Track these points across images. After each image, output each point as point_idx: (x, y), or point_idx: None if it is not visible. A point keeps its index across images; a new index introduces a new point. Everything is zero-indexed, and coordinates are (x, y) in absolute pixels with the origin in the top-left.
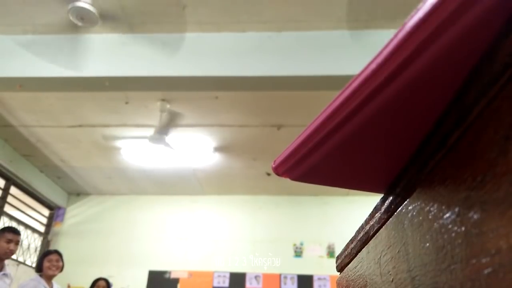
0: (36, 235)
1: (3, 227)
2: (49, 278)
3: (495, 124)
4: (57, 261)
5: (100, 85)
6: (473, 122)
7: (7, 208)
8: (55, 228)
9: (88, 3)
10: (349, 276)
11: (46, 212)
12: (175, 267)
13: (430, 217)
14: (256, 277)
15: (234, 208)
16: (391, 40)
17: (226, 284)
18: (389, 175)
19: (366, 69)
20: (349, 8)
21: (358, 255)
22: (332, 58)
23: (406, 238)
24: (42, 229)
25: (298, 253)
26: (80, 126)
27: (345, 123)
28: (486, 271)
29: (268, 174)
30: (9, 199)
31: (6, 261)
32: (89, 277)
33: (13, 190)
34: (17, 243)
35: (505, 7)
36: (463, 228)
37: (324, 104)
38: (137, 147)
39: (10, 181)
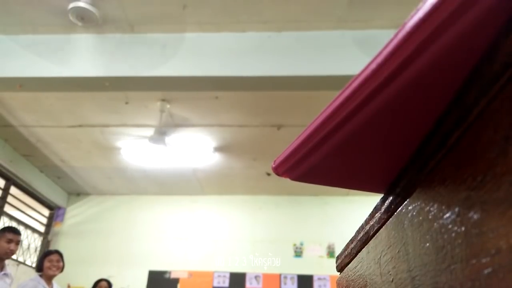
0: (36, 235)
1: (3, 227)
2: (49, 278)
3: (495, 124)
4: (57, 261)
5: (100, 85)
6: (473, 122)
7: (7, 208)
8: (55, 228)
9: (88, 3)
10: (349, 276)
11: (46, 212)
12: (175, 267)
13: (430, 217)
14: (256, 277)
15: (234, 208)
16: (391, 40)
17: (226, 284)
18: (389, 175)
19: (366, 69)
20: (349, 8)
21: (358, 255)
22: (332, 58)
23: (406, 238)
24: (42, 229)
25: (298, 253)
26: (80, 126)
27: (345, 123)
28: (486, 271)
29: (268, 174)
30: (9, 199)
31: (6, 261)
32: (89, 277)
33: (13, 190)
34: (17, 243)
35: (505, 7)
36: (463, 228)
37: (324, 104)
38: (137, 147)
39: (10, 181)
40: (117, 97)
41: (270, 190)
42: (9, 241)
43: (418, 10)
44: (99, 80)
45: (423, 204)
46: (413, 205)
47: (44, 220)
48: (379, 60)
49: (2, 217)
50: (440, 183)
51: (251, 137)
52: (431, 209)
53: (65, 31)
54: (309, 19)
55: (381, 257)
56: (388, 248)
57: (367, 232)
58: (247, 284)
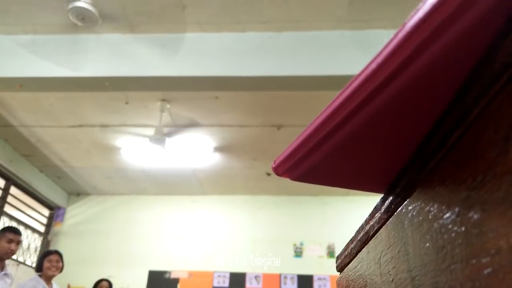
0: (36, 235)
1: (4, 227)
2: (48, 279)
3: (495, 124)
4: (57, 261)
5: (100, 85)
6: (473, 122)
7: (7, 208)
8: (55, 228)
9: (88, 3)
10: (349, 276)
11: (46, 212)
12: (175, 267)
13: (430, 217)
14: (256, 277)
15: (234, 208)
16: (391, 40)
17: (226, 284)
18: (389, 175)
19: (366, 69)
20: (349, 8)
21: (358, 255)
22: (332, 58)
23: (406, 238)
24: (42, 229)
25: (298, 253)
26: (80, 126)
27: (345, 123)
28: (486, 271)
29: (268, 174)
30: (9, 199)
31: (7, 261)
32: (89, 277)
33: (13, 190)
34: (18, 243)
35: (505, 7)
36: (463, 228)
37: (324, 104)
38: (137, 147)
39: (10, 181)
40: (117, 97)
41: (270, 190)
42: (10, 241)
43: (418, 10)
44: (99, 80)
45: (423, 204)
46: (413, 205)
47: (44, 220)
48: (379, 60)
49: (2, 217)
50: (440, 183)
51: (251, 137)
52: (431, 209)
53: (65, 31)
54: (309, 19)
55: (381, 257)
56: (388, 248)
57: (367, 232)
58: (247, 284)
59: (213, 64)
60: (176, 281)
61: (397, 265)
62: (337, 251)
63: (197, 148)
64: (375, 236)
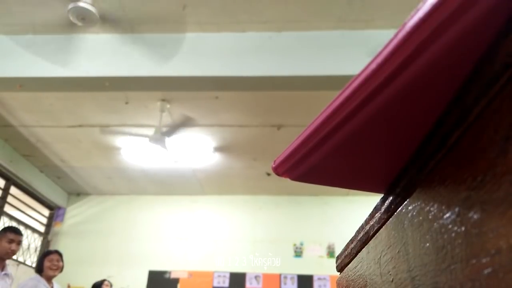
0: (36, 235)
1: (4, 227)
2: (49, 278)
3: (495, 124)
4: (57, 261)
5: (100, 85)
6: (473, 122)
7: (7, 208)
8: (55, 228)
9: (88, 3)
10: (349, 276)
11: (46, 212)
12: (175, 267)
13: (430, 217)
14: (256, 277)
15: (234, 208)
16: (391, 40)
17: (226, 284)
18: (389, 175)
19: (366, 69)
20: (349, 8)
21: (358, 255)
22: (332, 58)
23: (406, 238)
24: (42, 229)
25: (298, 253)
26: (80, 126)
27: (345, 123)
28: (486, 271)
29: (268, 174)
30: (9, 199)
31: (7, 261)
32: (89, 277)
33: (13, 190)
34: (18, 243)
35: (505, 7)
36: (463, 228)
37: (324, 104)
38: (137, 147)
39: (10, 181)
40: (117, 97)
41: (270, 190)
42: (11, 241)
43: (418, 10)
44: (99, 80)
45: (423, 204)
46: (413, 205)
47: (44, 220)
48: (379, 60)
49: (2, 217)
50: (440, 183)
51: (251, 137)
52: (431, 209)
53: (65, 31)
54: (309, 19)
55: (381, 257)
56: (388, 248)
57: (367, 232)
58: (247, 284)
59: (213, 64)
60: (176, 281)
61: (397, 265)
62: (337, 251)
63: (197, 148)
64: (375, 236)
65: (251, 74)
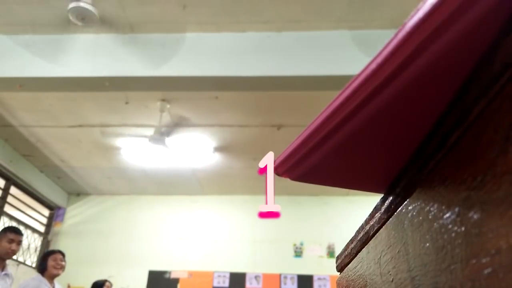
0: (36, 235)
1: (5, 227)
2: (51, 278)
3: (495, 124)
4: (61, 260)
5: (100, 85)
6: (473, 122)
7: (7, 208)
8: (55, 228)
9: (88, 3)
10: (349, 276)
11: (46, 212)
12: (175, 267)
13: (430, 217)
14: (256, 277)
15: (234, 208)
16: (391, 40)
17: (226, 284)
18: (389, 175)
19: (366, 69)
20: (349, 8)
21: (358, 255)
22: (332, 58)
23: (406, 238)
24: (42, 229)
25: (298, 253)
26: (80, 126)
27: (345, 123)
28: (486, 271)
29: None
30: (9, 199)
31: (7, 261)
32: (89, 277)
33: (13, 190)
34: (19, 243)
35: (505, 7)
36: (463, 228)
37: (324, 104)
38: (137, 147)
39: (10, 181)
40: (117, 97)
41: None
42: (11, 241)
43: (418, 10)
44: (99, 80)
45: (423, 204)
46: (413, 205)
47: (44, 220)
48: (379, 60)
49: (2, 217)
50: (440, 183)
51: (251, 137)
52: (431, 209)
53: (65, 31)
54: (309, 19)
55: (381, 257)
56: (388, 248)
57: (367, 232)
58: (247, 284)
59: (213, 64)
60: (176, 281)
61: (397, 265)
62: (337, 251)
63: (197, 148)
64: (375, 236)
65: (251, 74)
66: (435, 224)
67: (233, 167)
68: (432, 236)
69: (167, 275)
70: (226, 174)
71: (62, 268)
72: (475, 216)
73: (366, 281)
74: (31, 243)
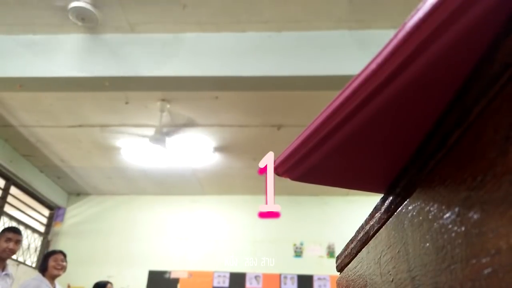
0: (36, 235)
1: (4, 227)
2: (52, 278)
3: (495, 124)
4: (62, 261)
5: (100, 85)
6: (473, 122)
7: (7, 208)
8: (55, 228)
9: (88, 3)
10: (349, 276)
11: (46, 212)
12: (175, 267)
13: (430, 217)
14: (256, 277)
15: (234, 208)
16: (391, 40)
17: (226, 284)
18: (389, 175)
19: (366, 69)
20: (349, 8)
21: (358, 255)
22: (332, 58)
23: (406, 238)
24: (42, 229)
25: (298, 253)
26: (80, 126)
27: (345, 123)
28: (486, 271)
29: None
30: (9, 199)
31: (7, 261)
32: (89, 277)
33: (13, 190)
34: (17, 242)
35: (505, 7)
36: (463, 228)
37: (324, 104)
38: (137, 147)
39: (10, 181)
40: (117, 97)
41: None
42: (8, 240)
43: (418, 10)
44: (99, 80)
45: (423, 204)
46: (413, 205)
47: (44, 220)
48: (379, 60)
49: (2, 217)
50: (440, 183)
51: (251, 137)
52: (431, 209)
53: (65, 31)
54: (309, 19)
55: (381, 257)
56: (388, 248)
57: (367, 232)
58: (247, 284)
59: (213, 64)
60: (176, 281)
61: (397, 265)
62: (337, 251)
63: (197, 148)
64: (375, 236)
65: (251, 74)
66: (435, 224)
67: (233, 167)
68: (432, 236)
69: (167, 275)
70: (226, 174)
71: (63, 268)
72: (475, 216)
73: (366, 281)
74: (31, 243)
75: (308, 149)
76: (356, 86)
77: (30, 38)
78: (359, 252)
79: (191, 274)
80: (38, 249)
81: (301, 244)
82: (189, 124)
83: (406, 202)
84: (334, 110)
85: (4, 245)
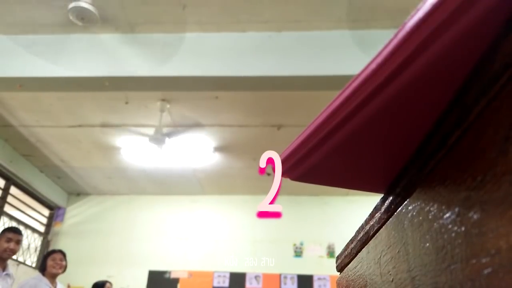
0: (36, 235)
1: (5, 228)
2: (52, 277)
3: (495, 124)
4: (60, 260)
5: (100, 85)
6: (473, 122)
7: (7, 208)
8: (55, 228)
9: (88, 3)
10: (349, 276)
11: (46, 212)
12: (175, 267)
13: (430, 217)
14: (256, 277)
15: (234, 208)
16: (391, 40)
17: (226, 284)
18: (389, 175)
19: (366, 69)
20: (349, 8)
21: (358, 255)
22: (332, 58)
23: (406, 238)
24: (42, 229)
25: (298, 253)
26: (80, 126)
27: (345, 123)
28: (486, 271)
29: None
30: (9, 199)
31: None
32: (89, 277)
33: (13, 190)
34: (17, 242)
35: (505, 7)
36: (463, 228)
37: (324, 104)
38: (137, 147)
39: (10, 181)
40: (117, 97)
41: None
42: (9, 240)
43: (418, 10)
44: (99, 80)
45: (423, 204)
46: (413, 205)
47: (44, 220)
48: (379, 60)
49: (2, 217)
50: (440, 183)
51: (251, 137)
52: (431, 209)
53: (65, 31)
54: (309, 19)
55: (381, 257)
56: (388, 248)
57: (367, 232)
58: (247, 284)
59: (213, 64)
60: (176, 281)
61: (397, 265)
62: (337, 251)
63: (197, 148)
64: (375, 236)
65: (251, 74)
66: (435, 224)
67: (233, 167)
68: (432, 236)
69: (167, 275)
70: (226, 174)
71: (62, 267)
72: (475, 216)
73: (366, 281)
74: (31, 243)
75: (308, 149)
76: (356, 86)
77: (30, 38)
78: (359, 252)
79: (191, 274)
80: (38, 249)
81: (301, 244)
82: (189, 124)
83: (406, 202)
84: (334, 110)
85: (5, 245)
